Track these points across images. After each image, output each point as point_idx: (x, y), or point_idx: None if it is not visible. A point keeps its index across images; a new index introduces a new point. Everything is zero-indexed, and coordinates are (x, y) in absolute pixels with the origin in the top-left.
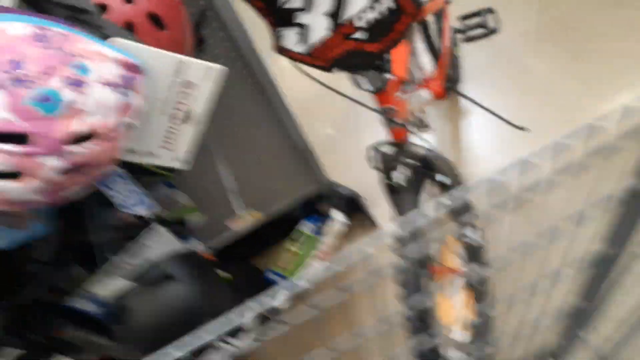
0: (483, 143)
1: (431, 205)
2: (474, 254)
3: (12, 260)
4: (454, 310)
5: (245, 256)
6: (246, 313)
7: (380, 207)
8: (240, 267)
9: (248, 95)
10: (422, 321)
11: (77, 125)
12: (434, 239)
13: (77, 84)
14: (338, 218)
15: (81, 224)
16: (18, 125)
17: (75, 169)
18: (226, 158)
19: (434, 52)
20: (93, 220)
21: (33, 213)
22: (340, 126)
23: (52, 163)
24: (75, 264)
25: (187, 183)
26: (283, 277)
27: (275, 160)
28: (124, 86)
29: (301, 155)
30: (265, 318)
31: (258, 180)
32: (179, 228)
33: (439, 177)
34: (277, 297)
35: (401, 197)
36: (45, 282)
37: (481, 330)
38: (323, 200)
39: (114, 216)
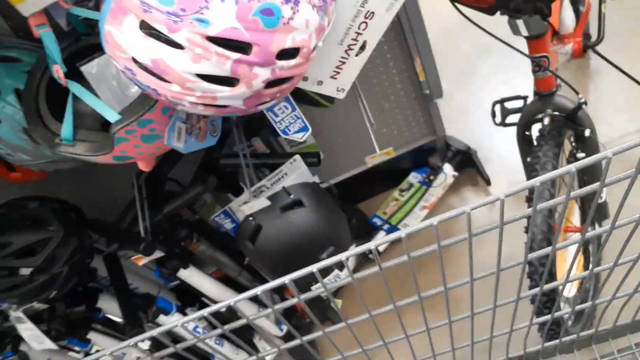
0: (611, 106)
1: (567, 161)
2: (596, 213)
3: (158, 180)
4: (567, 266)
5: (354, 200)
6: (351, 251)
7: (492, 164)
8: (348, 208)
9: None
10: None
11: (290, 41)
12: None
13: (293, 1)
14: (449, 172)
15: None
16: (245, 35)
17: (276, 82)
18: (364, 94)
19: (577, 8)
20: (238, 144)
21: (211, 128)
22: (457, 80)
23: (264, 74)
24: (208, 186)
25: (326, 117)
26: (389, 223)
27: (399, 105)
28: (323, 10)
29: (424, 103)
30: (367, 258)
31: (383, 122)
32: (314, 161)
33: (587, 132)
34: (381, 241)
35: (540, 150)
36: (181, 201)
37: (590, 288)
38: (436, 152)
39: (253, 145)
